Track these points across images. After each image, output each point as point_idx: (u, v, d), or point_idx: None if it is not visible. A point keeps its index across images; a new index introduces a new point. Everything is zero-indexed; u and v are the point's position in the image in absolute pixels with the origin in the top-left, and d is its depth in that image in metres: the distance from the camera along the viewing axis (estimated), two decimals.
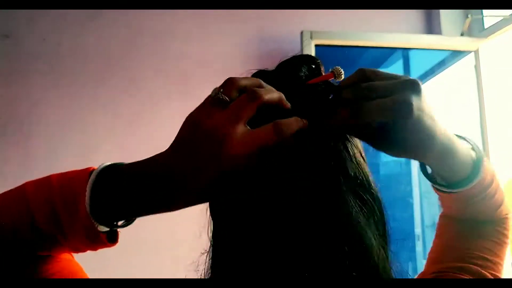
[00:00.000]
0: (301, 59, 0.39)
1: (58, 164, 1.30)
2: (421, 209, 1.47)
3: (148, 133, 1.36)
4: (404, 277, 0.36)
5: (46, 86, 1.36)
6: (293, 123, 0.32)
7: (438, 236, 0.52)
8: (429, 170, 0.45)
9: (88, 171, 0.35)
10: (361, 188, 0.36)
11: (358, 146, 0.38)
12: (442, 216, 0.52)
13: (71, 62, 1.39)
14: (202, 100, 0.35)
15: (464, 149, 0.40)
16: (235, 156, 0.30)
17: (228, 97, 0.32)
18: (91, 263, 0.45)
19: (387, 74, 0.36)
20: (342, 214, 0.33)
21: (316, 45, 1.37)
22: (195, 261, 0.39)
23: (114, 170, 0.35)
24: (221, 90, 0.33)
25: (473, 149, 0.42)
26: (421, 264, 1.44)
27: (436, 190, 0.46)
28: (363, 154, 0.39)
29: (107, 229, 0.35)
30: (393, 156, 0.37)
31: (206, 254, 0.38)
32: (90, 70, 1.39)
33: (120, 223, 0.36)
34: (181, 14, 1.46)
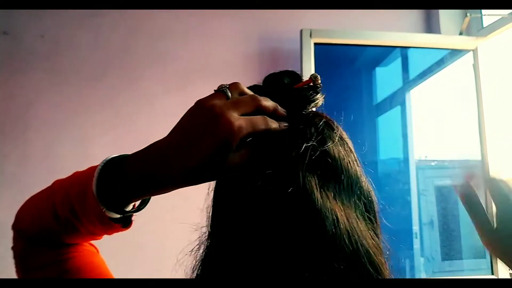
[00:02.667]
0: (284, 72, 0.44)
1: (56, 161, 1.30)
2: (419, 207, 1.48)
3: (145, 131, 1.36)
4: (402, 274, 0.37)
5: (44, 84, 1.36)
6: (279, 124, 0.38)
7: None
8: None
9: (99, 165, 0.40)
10: (347, 183, 0.37)
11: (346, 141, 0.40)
12: None
13: (69, 60, 1.39)
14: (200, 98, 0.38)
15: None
16: (228, 132, 0.34)
17: (231, 93, 0.37)
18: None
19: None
20: (321, 208, 0.34)
21: (316, 44, 1.37)
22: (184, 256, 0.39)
23: (119, 160, 0.40)
24: (227, 86, 0.38)
25: None
26: (419, 262, 1.46)
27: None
28: (352, 151, 0.40)
29: (119, 215, 0.40)
30: None
31: (197, 248, 0.39)
32: (88, 68, 1.39)
33: (129, 208, 0.41)
34: (180, 12, 1.46)
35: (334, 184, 0.36)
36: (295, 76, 0.43)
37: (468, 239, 1.49)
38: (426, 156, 1.55)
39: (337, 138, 0.39)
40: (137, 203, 0.43)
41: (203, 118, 0.35)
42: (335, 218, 0.33)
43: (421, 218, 1.47)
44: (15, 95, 1.34)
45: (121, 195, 0.38)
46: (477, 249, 1.47)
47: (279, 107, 0.39)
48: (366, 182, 0.39)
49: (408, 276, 1.33)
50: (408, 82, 1.60)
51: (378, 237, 0.37)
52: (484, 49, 1.45)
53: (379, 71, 1.60)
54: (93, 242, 0.48)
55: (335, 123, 0.41)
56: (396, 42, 1.45)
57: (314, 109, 0.42)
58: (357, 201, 0.37)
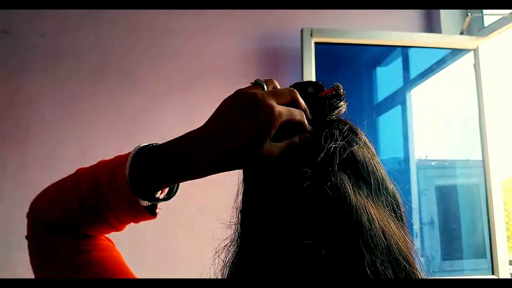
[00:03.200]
0: (308, 82, 0.46)
1: (57, 160, 1.30)
2: (419, 206, 1.47)
3: (147, 130, 1.36)
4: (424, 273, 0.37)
5: (45, 83, 1.36)
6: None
7: None
8: None
9: (130, 152, 0.41)
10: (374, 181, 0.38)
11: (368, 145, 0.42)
12: None
13: (70, 59, 1.39)
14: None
15: None
16: (269, 117, 0.35)
17: (267, 86, 0.39)
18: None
19: None
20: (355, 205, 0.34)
21: (316, 43, 1.37)
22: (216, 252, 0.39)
23: (151, 147, 0.41)
24: (263, 80, 0.40)
25: None
26: (420, 261, 1.45)
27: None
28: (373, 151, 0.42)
29: (149, 203, 0.41)
30: None
31: (230, 241, 0.39)
32: (89, 67, 1.39)
33: (160, 196, 0.42)
34: (181, 11, 1.45)
35: (363, 184, 0.37)
36: (319, 86, 0.45)
37: (468, 239, 1.49)
38: (426, 156, 1.55)
39: (361, 142, 0.40)
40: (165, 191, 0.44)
41: (245, 104, 0.36)
42: (369, 214, 0.34)
43: (421, 218, 1.47)
44: (15, 94, 1.34)
45: (155, 181, 0.39)
46: (478, 249, 1.47)
47: (307, 110, 0.41)
48: (391, 184, 0.40)
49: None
50: (409, 82, 1.59)
51: (407, 236, 0.37)
52: (485, 49, 1.45)
53: (380, 71, 1.60)
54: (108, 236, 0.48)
55: (358, 128, 0.43)
56: (397, 41, 1.45)
57: (336, 116, 0.44)
58: (385, 202, 0.38)
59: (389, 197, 0.39)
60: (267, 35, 1.48)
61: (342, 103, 0.44)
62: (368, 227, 0.33)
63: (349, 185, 0.35)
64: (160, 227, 1.28)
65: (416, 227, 1.45)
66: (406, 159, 1.50)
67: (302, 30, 1.37)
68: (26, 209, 0.45)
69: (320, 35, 1.37)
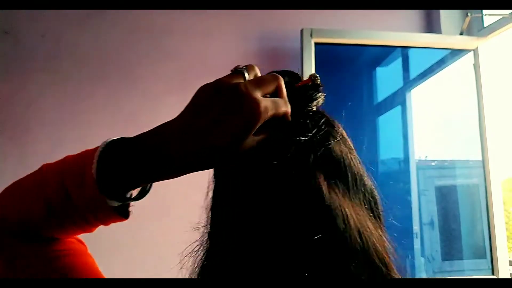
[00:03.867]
0: (284, 71, 0.43)
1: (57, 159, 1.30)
2: (419, 207, 1.47)
3: (147, 129, 1.36)
4: (402, 274, 0.36)
5: (45, 83, 1.36)
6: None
7: None
8: None
9: (97, 147, 0.37)
10: (350, 178, 0.37)
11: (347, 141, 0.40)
12: None
13: (70, 60, 1.39)
14: None
15: None
16: (254, 112, 0.33)
17: (248, 75, 0.36)
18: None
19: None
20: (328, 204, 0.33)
21: (316, 43, 1.37)
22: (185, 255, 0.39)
23: (122, 141, 0.37)
24: (244, 67, 0.37)
25: None
26: (419, 262, 1.46)
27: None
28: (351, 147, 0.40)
29: (119, 203, 0.37)
30: None
31: (198, 248, 0.38)
32: (89, 67, 1.39)
33: (131, 194, 0.38)
34: (180, 11, 1.46)
35: (340, 181, 0.36)
36: (295, 76, 0.43)
37: (468, 239, 1.49)
38: (426, 156, 1.55)
39: (338, 136, 0.38)
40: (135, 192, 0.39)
41: (228, 96, 0.33)
42: (344, 214, 0.33)
43: (421, 218, 1.47)
44: (16, 94, 1.34)
45: (126, 180, 0.35)
46: (478, 249, 1.47)
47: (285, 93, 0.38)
48: (369, 180, 0.39)
49: (408, 276, 1.33)
50: (409, 82, 1.59)
51: (384, 236, 0.36)
52: (485, 49, 1.45)
53: (380, 71, 1.60)
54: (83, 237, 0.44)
55: (335, 121, 0.41)
56: (397, 42, 1.45)
57: (315, 108, 0.42)
58: (362, 199, 0.37)
59: (366, 194, 0.37)
60: (267, 35, 1.48)
61: (320, 94, 0.41)
62: (343, 228, 0.32)
63: (324, 182, 0.34)
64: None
65: (416, 227, 1.45)
66: (406, 159, 1.50)
67: (302, 31, 1.37)
68: None
69: (320, 35, 1.37)
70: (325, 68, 1.36)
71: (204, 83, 0.38)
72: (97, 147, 0.37)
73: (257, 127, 0.33)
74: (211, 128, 0.33)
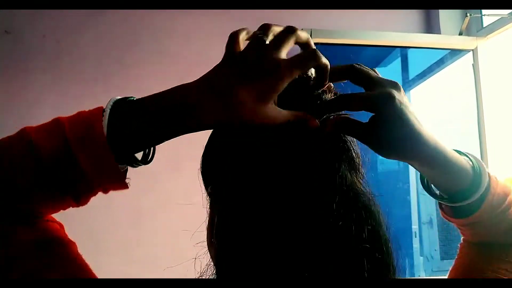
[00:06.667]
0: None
1: None
2: (418, 206, 1.48)
3: None
4: (401, 273, 0.37)
5: (46, 83, 1.36)
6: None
7: (456, 262, 0.47)
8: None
9: (101, 107, 0.34)
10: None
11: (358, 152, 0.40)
12: (461, 243, 0.47)
13: (71, 59, 1.39)
14: None
15: (458, 157, 0.38)
16: (278, 70, 0.32)
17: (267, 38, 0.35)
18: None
19: (372, 72, 0.39)
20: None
21: (316, 44, 1.37)
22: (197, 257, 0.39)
23: (130, 101, 0.35)
24: (260, 32, 0.35)
25: (470, 159, 0.40)
26: (418, 261, 1.46)
27: (445, 215, 0.43)
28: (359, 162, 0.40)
29: (125, 167, 0.34)
30: (384, 156, 0.37)
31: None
32: (89, 67, 1.40)
33: (139, 157, 0.35)
34: (180, 12, 1.46)
35: (361, 178, 0.38)
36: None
37: None
38: None
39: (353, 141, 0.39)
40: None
41: (250, 63, 0.33)
42: (373, 205, 0.35)
43: (420, 218, 1.48)
44: (16, 94, 1.35)
45: (141, 134, 0.32)
46: None
47: (311, 42, 0.39)
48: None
49: (407, 275, 1.34)
50: (408, 82, 1.60)
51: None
52: (484, 49, 1.46)
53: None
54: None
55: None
56: (396, 42, 1.46)
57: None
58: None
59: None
60: None
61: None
62: (378, 223, 0.34)
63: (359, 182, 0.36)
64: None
65: (415, 226, 1.46)
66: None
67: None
68: None
69: (319, 35, 1.38)
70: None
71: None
72: (99, 107, 0.34)
73: (282, 87, 0.32)
74: (235, 83, 0.32)
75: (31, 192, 0.32)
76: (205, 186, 0.40)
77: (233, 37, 0.36)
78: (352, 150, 0.38)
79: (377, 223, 0.35)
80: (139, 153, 0.35)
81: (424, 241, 1.47)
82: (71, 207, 0.35)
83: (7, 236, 0.32)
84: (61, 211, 0.35)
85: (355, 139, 0.39)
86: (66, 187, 0.32)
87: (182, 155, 1.12)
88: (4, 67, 1.35)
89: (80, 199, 0.34)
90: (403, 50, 1.56)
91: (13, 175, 0.31)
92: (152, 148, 0.37)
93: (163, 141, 0.34)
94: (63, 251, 0.34)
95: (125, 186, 0.34)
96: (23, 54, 1.37)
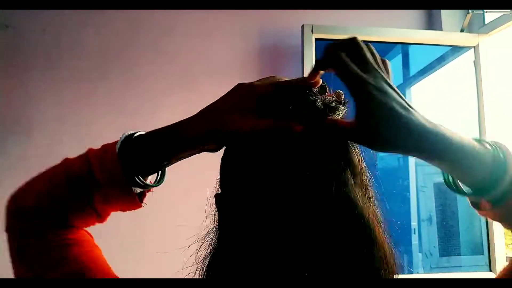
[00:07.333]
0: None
1: (57, 156, 1.30)
2: (418, 203, 1.48)
3: (147, 127, 1.36)
4: (400, 270, 0.37)
5: (46, 78, 1.36)
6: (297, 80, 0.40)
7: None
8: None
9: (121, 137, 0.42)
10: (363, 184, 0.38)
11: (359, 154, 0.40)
12: None
13: (71, 55, 1.39)
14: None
15: (469, 143, 0.36)
16: (249, 89, 0.39)
17: None
18: None
19: (348, 63, 0.36)
20: (350, 207, 0.35)
21: (317, 39, 1.37)
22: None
23: (140, 134, 0.43)
24: None
25: (489, 145, 0.38)
26: (417, 258, 1.47)
27: (475, 207, 0.40)
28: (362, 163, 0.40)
29: (139, 190, 0.42)
30: (378, 150, 0.36)
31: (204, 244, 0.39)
32: (90, 63, 1.39)
33: (150, 181, 0.43)
34: (180, 9, 1.45)
35: (359, 183, 0.38)
36: (323, 88, 0.42)
37: (466, 235, 1.50)
38: None
39: (355, 147, 0.40)
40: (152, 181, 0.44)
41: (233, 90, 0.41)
42: (366, 210, 0.35)
43: (419, 214, 1.48)
44: (16, 89, 1.34)
45: (146, 159, 0.40)
46: (475, 246, 1.48)
47: (299, 78, 0.40)
48: (372, 189, 0.40)
49: (406, 272, 1.34)
50: (409, 79, 1.59)
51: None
52: (486, 46, 1.45)
53: None
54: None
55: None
56: (397, 38, 1.45)
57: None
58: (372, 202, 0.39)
59: (372, 200, 0.39)
60: (267, 31, 1.48)
61: (343, 108, 0.42)
62: (366, 223, 0.34)
63: (349, 178, 0.36)
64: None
65: (414, 223, 1.46)
66: (405, 155, 1.50)
67: (302, 27, 1.37)
68: None
69: (321, 31, 1.37)
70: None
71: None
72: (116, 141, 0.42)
73: (254, 99, 0.37)
74: (223, 107, 0.39)
75: (64, 203, 0.41)
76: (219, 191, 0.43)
77: None
78: (351, 155, 0.38)
79: (368, 227, 0.35)
80: (149, 175, 0.43)
81: (423, 238, 1.47)
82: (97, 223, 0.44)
83: (50, 243, 0.41)
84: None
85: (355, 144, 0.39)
86: (88, 197, 0.40)
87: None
88: (3, 61, 1.35)
89: (99, 211, 0.42)
90: (404, 46, 1.55)
91: (51, 189, 0.41)
92: (160, 172, 0.44)
93: (166, 161, 0.41)
94: (93, 256, 0.42)
95: (136, 203, 0.41)
96: (23, 49, 1.36)
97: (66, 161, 0.43)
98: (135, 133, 0.43)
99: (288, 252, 0.33)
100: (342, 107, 0.41)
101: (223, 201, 0.39)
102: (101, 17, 1.41)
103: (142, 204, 0.42)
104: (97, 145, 0.43)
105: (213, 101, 0.40)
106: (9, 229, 0.42)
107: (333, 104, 0.40)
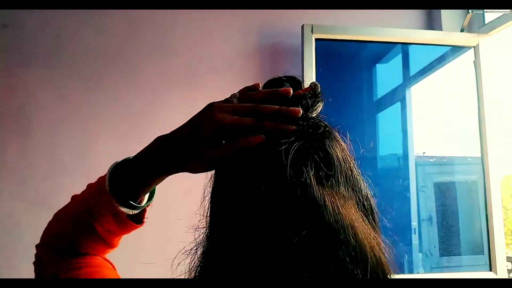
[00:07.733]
0: (284, 77, 0.45)
1: (57, 155, 1.31)
2: (418, 203, 1.48)
3: (148, 126, 1.37)
4: (400, 270, 0.37)
5: (45, 77, 1.36)
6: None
7: None
8: None
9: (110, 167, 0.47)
10: (348, 183, 0.38)
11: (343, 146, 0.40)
12: None
13: (71, 54, 1.39)
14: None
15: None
16: (207, 124, 0.40)
17: (237, 101, 0.43)
18: None
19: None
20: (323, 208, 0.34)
21: (317, 39, 1.37)
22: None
23: (126, 160, 0.46)
24: (236, 95, 0.43)
25: None
26: (417, 257, 1.47)
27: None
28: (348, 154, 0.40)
29: (134, 212, 0.46)
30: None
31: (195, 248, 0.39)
32: (90, 62, 1.39)
33: (142, 203, 0.47)
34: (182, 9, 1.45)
35: (334, 181, 0.37)
36: (297, 82, 0.44)
37: (466, 235, 1.50)
38: (424, 153, 1.56)
39: (334, 141, 0.39)
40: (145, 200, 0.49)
41: (203, 112, 0.42)
42: (335, 209, 0.33)
43: (420, 214, 1.48)
44: (16, 88, 1.34)
45: (131, 183, 0.44)
46: (476, 245, 1.48)
47: (286, 108, 0.40)
48: (365, 186, 0.39)
49: (406, 271, 1.34)
50: (409, 79, 1.59)
51: (378, 238, 0.37)
52: (486, 46, 1.45)
53: (380, 67, 1.60)
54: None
55: (333, 128, 0.41)
56: (397, 38, 1.45)
57: (315, 114, 0.43)
58: (358, 202, 0.38)
59: (361, 199, 0.38)
60: (268, 31, 1.48)
61: (319, 103, 0.42)
62: (331, 221, 0.33)
63: (313, 178, 0.35)
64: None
65: (414, 223, 1.46)
66: (405, 155, 1.50)
67: (302, 27, 1.37)
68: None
69: (320, 31, 1.37)
70: (325, 64, 1.36)
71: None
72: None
73: (209, 135, 0.39)
74: (193, 132, 0.41)
75: (73, 234, 0.47)
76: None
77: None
78: (324, 159, 0.37)
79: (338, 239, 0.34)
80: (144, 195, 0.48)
81: (423, 237, 1.47)
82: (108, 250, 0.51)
83: (68, 265, 0.46)
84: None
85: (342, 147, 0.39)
86: (91, 228, 0.46)
87: None
88: (3, 60, 1.35)
89: (104, 238, 0.47)
90: (404, 46, 1.55)
91: (65, 230, 0.48)
92: (149, 194, 0.49)
93: (146, 186, 0.45)
94: (97, 271, 0.47)
95: (133, 225, 0.47)
96: (22, 48, 1.36)
97: (71, 202, 0.49)
98: (123, 160, 0.47)
99: (259, 253, 0.33)
100: (319, 103, 0.42)
101: (212, 210, 0.41)
102: (101, 17, 1.41)
103: (144, 220, 0.49)
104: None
105: (207, 103, 0.42)
106: (35, 262, 0.50)
107: (310, 101, 0.41)
